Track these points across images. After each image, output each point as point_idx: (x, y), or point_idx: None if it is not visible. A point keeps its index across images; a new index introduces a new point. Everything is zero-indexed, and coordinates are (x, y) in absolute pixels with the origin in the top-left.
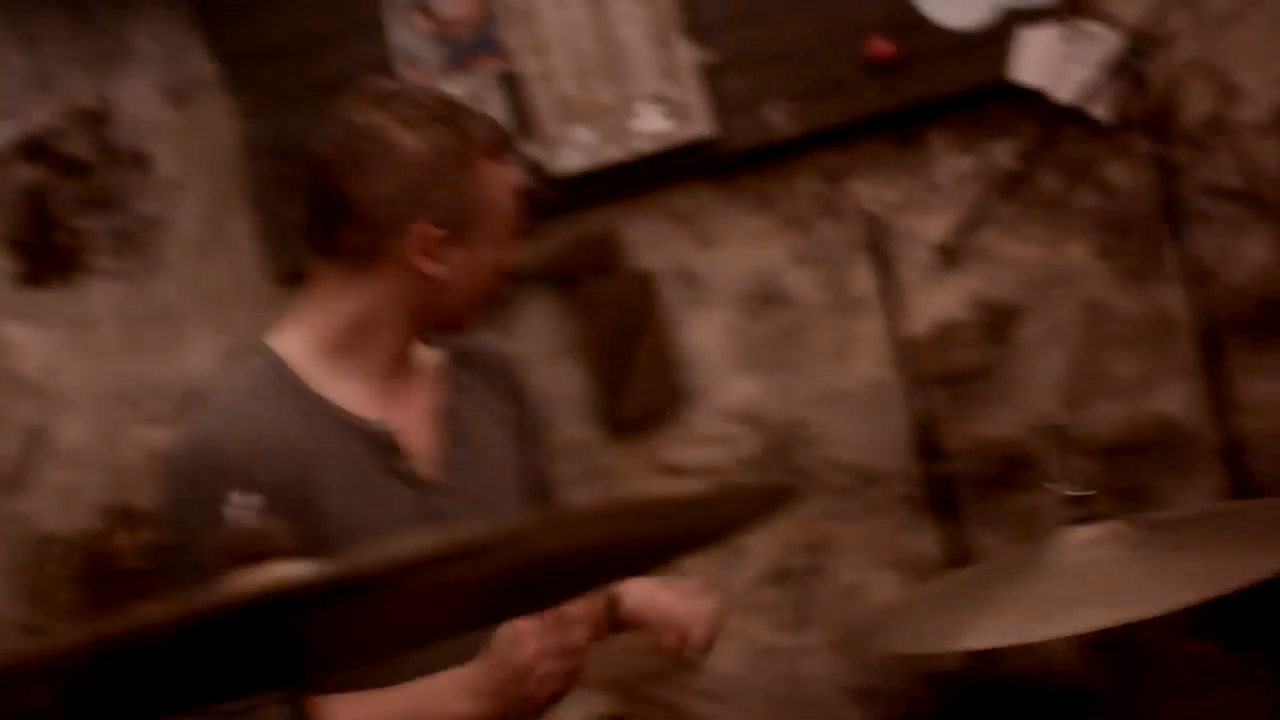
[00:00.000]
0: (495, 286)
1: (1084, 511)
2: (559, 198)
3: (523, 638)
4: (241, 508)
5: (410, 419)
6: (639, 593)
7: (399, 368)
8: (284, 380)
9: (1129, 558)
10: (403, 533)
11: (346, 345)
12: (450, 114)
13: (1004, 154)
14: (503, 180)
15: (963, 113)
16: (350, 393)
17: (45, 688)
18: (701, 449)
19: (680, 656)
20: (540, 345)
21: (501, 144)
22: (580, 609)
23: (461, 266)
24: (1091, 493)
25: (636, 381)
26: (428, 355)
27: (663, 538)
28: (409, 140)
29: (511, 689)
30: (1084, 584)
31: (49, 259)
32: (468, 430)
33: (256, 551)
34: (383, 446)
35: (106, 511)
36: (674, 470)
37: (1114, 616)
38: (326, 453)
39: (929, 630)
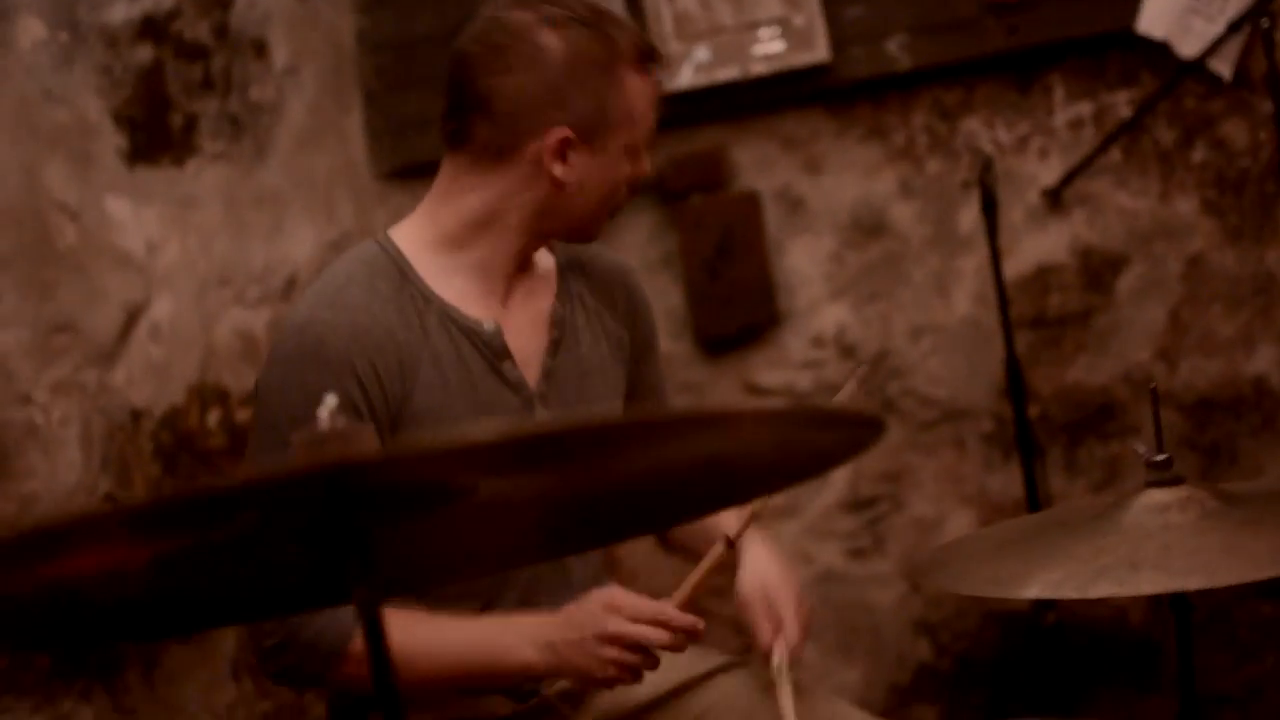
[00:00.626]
0: (622, 198)
1: (1165, 475)
2: (671, 113)
3: (611, 610)
4: (326, 410)
5: (520, 323)
6: (748, 585)
7: (516, 270)
8: (397, 273)
9: (1203, 526)
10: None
11: (465, 240)
12: (596, 19)
13: (1122, 103)
14: (643, 92)
15: (1084, 59)
16: (463, 290)
17: (127, 574)
18: (790, 372)
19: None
20: (639, 257)
21: (647, 55)
22: (685, 618)
23: (591, 174)
24: (1170, 457)
25: (732, 300)
26: (546, 262)
27: (751, 465)
28: (553, 41)
29: (575, 654)
30: (1154, 546)
31: (159, 139)
32: (574, 341)
33: (338, 454)
34: (489, 347)
35: (196, 390)
36: (761, 391)
37: (1178, 583)
38: (431, 348)
39: (994, 573)
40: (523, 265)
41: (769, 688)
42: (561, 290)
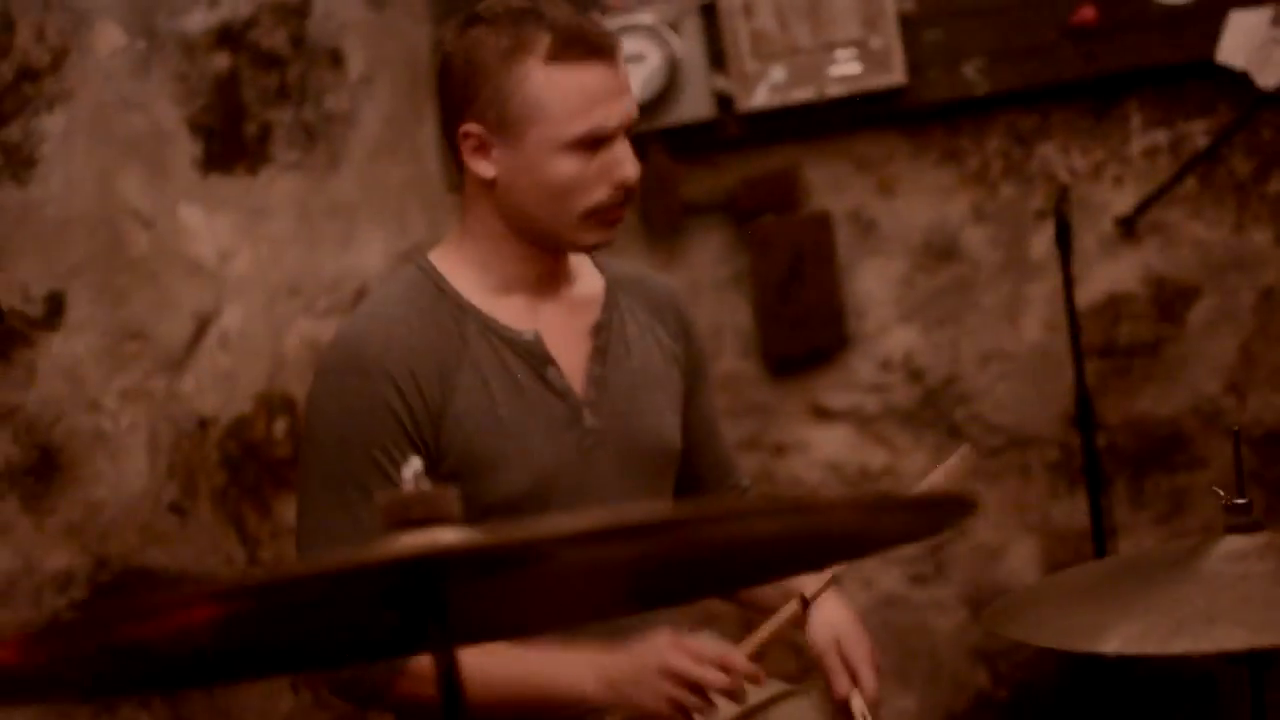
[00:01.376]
0: (603, 204)
1: (1244, 520)
2: (746, 132)
3: (674, 648)
4: (411, 472)
5: (563, 334)
6: (822, 636)
7: (550, 284)
8: (434, 288)
9: None
10: (549, 442)
11: (487, 255)
12: (512, 15)
13: (1199, 133)
14: (562, 84)
15: (1162, 87)
16: (503, 306)
17: (204, 630)
18: (858, 394)
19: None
20: (709, 276)
21: (568, 47)
22: (748, 665)
23: (518, 172)
24: (1250, 501)
25: (801, 321)
26: (592, 279)
27: (827, 542)
28: (457, 44)
29: (632, 687)
30: (1231, 597)
31: (233, 147)
32: (624, 352)
33: (422, 516)
34: (532, 354)
35: (263, 399)
36: (827, 413)
37: (1256, 640)
38: (471, 355)
39: (1068, 624)
40: (554, 279)
41: (834, 717)
42: (609, 304)
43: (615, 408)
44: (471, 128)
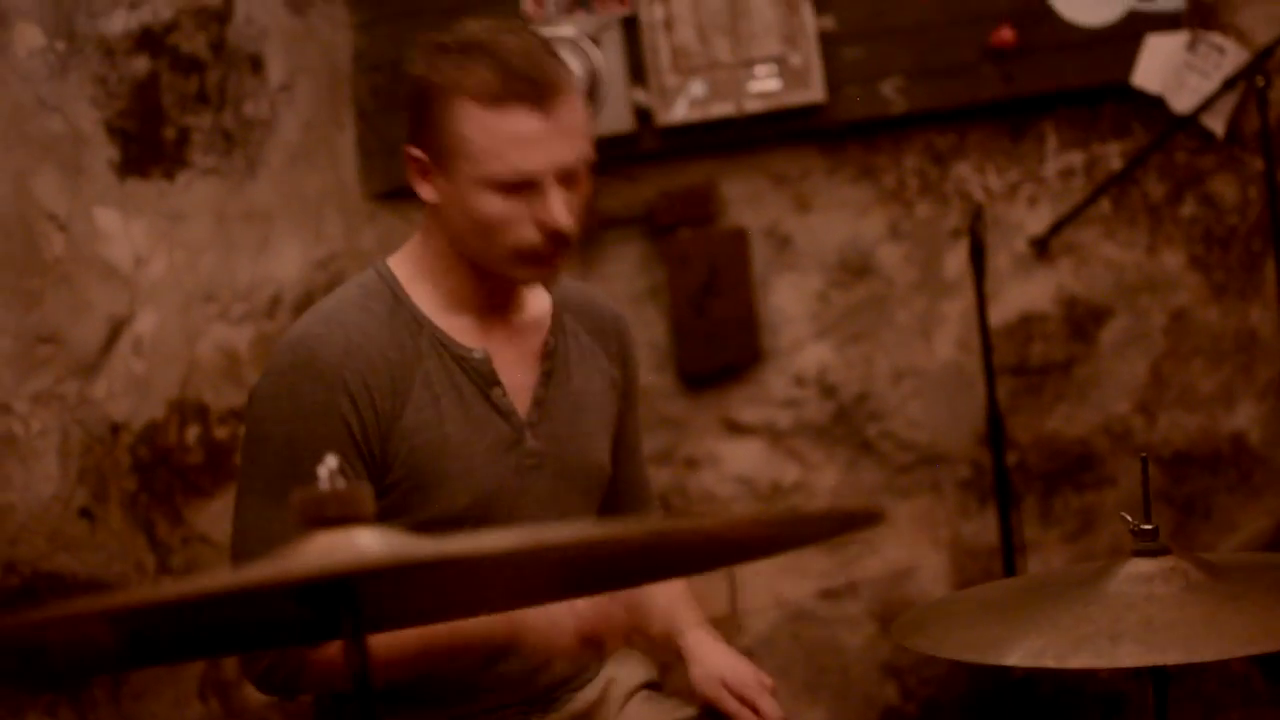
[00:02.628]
0: (525, 243)
1: (1151, 545)
2: (664, 146)
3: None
4: (326, 470)
5: (511, 355)
6: (708, 685)
7: (500, 305)
8: (392, 297)
9: (1185, 599)
10: (491, 463)
11: (437, 274)
12: (470, 48)
13: (1114, 155)
14: (490, 129)
15: (1078, 109)
16: (455, 322)
17: (108, 630)
18: (770, 409)
19: None
20: (625, 288)
21: (503, 94)
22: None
23: (451, 200)
24: (1156, 528)
25: (716, 336)
26: (540, 299)
27: (733, 547)
28: (417, 66)
29: (537, 620)
30: (1135, 617)
31: (151, 151)
32: (566, 376)
33: (337, 514)
34: (479, 374)
35: (176, 406)
36: (740, 427)
37: (1157, 657)
38: (424, 369)
39: (974, 637)
40: (504, 299)
41: None
42: (555, 327)
43: (555, 431)
44: (415, 151)
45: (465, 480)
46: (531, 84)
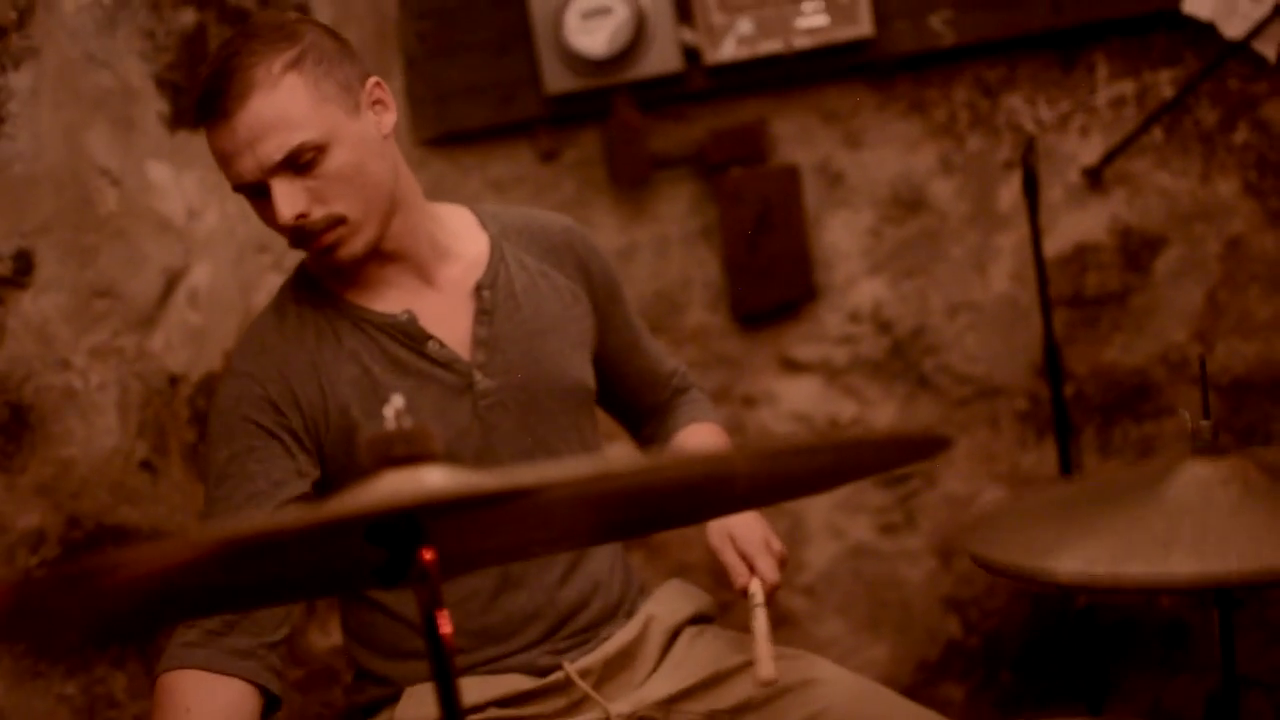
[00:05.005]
0: (289, 237)
1: (1209, 444)
2: (713, 85)
3: None
4: (393, 411)
5: (444, 309)
6: (716, 534)
7: (418, 264)
8: (310, 289)
9: (1243, 505)
10: (442, 414)
11: None
12: (213, 59)
13: (1165, 83)
14: (209, 147)
15: (1128, 38)
16: (376, 295)
17: (176, 575)
18: (826, 346)
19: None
20: (677, 229)
21: (202, 114)
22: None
23: None
24: (1215, 425)
25: (769, 274)
26: (475, 240)
27: (799, 476)
28: None
29: None
30: (1190, 524)
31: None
32: (514, 306)
33: (404, 453)
34: (408, 334)
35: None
36: (796, 365)
37: (1213, 567)
38: (348, 349)
39: (1025, 541)
40: (418, 259)
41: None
42: (493, 263)
43: (510, 363)
44: None
45: None
46: (212, 97)
